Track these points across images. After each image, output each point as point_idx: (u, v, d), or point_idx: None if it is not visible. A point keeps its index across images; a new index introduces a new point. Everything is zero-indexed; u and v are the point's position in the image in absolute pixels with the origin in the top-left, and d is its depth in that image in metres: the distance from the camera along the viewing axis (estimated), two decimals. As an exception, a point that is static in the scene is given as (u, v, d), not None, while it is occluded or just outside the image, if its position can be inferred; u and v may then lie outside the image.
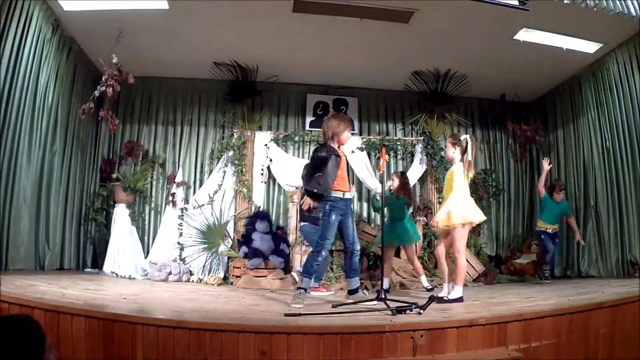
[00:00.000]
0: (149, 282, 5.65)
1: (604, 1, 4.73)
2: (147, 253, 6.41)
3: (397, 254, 6.52)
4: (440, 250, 4.14)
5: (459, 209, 3.86)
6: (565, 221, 6.06)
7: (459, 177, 3.94)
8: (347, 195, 3.91)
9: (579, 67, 6.32)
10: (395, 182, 5.21)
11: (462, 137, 4.04)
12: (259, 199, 6.73)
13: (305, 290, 3.81)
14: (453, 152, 4.04)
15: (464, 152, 3.99)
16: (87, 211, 6.33)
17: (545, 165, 5.88)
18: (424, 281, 5.22)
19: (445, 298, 3.85)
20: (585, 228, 6.25)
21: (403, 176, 5.36)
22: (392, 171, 7.29)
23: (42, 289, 3.49)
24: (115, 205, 6.34)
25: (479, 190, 7.12)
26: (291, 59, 6.43)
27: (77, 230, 6.10)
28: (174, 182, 6.64)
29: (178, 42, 5.86)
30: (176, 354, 2.48)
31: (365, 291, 4.39)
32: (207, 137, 7.09)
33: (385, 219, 4.90)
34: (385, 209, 4.96)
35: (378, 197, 5.14)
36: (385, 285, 5.09)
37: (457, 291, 3.84)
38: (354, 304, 3.57)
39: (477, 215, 3.96)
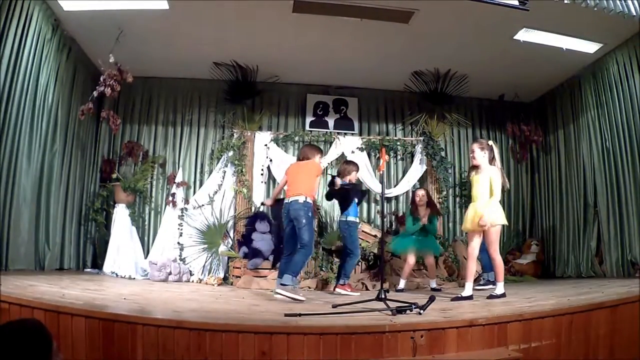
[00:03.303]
0: (149, 282, 5.65)
1: (604, 1, 4.73)
2: (147, 253, 6.41)
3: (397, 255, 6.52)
4: (475, 249, 4.17)
5: (499, 211, 4.04)
6: None
7: (498, 181, 4.03)
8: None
9: (579, 67, 6.31)
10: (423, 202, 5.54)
11: (490, 142, 4.16)
12: (259, 199, 6.73)
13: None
14: (483, 157, 4.10)
15: (492, 157, 4.09)
16: (87, 211, 6.33)
17: None
18: (432, 283, 5.38)
19: (493, 294, 3.99)
20: (585, 228, 6.25)
21: (427, 194, 5.66)
22: (392, 172, 7.31)
23: (42, 289, 3.48)
24: (115, 205, 6.34)
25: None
26: (291, 59, 6.43)
27: (77, 230, 6.10)
28: (174, 183, 6.64)
29: (178, 42, 5.87)
30: (176, 354, 2.48)
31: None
32: (207, 137, 7.09)
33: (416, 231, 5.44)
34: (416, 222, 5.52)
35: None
36: (401, 286, 5.20)
37: (501, 287, 4.01)
38: (354, 304, 3.58)
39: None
